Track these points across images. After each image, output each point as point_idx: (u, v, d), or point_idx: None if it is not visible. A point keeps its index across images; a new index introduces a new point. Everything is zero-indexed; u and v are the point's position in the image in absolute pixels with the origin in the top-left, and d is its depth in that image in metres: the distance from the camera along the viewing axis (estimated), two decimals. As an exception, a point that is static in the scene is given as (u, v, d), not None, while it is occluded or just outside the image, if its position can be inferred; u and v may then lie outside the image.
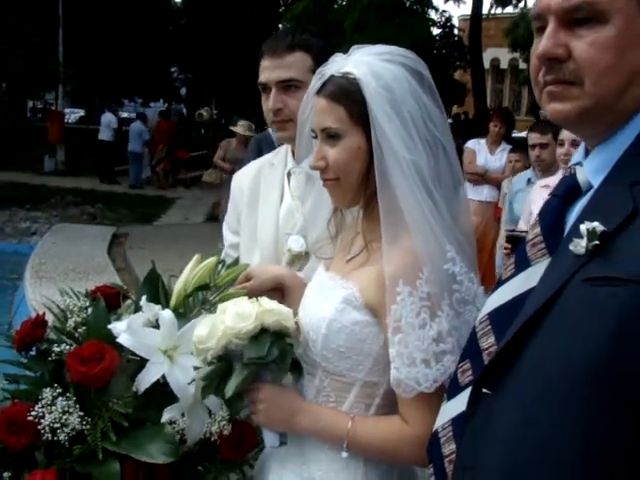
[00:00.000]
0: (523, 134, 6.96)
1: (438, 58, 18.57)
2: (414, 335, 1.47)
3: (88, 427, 1.55)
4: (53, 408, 1.54)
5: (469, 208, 1.78)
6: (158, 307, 1.64)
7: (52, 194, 15.40)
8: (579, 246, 1.07)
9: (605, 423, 1.01)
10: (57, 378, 1.62)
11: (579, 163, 1.22)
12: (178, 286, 1.71)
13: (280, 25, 26.60)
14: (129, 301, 1.77)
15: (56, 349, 1.62)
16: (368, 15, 13.22)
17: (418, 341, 1.47)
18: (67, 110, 29.34)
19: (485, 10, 20.22)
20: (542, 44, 1.15)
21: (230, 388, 1.48)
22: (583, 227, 1.07)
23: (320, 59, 1.83)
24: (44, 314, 1.72)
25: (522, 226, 4.09)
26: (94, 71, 25.27)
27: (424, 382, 1.47)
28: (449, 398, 1.34)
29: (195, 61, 27.67)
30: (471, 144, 6.98)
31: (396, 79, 1.54)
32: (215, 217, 11.56)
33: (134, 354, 1.60)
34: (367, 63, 1.55)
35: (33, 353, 1.70)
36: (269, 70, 2.09)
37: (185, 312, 1.68)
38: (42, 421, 1.53)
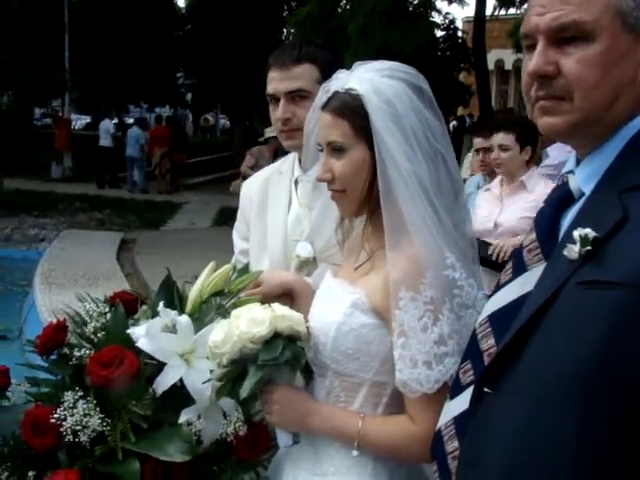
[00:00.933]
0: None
1: (442, 60, 18.58)
2: (416, 338, 1.53)
3: (108, 428, 1.60)
4: (74, 411, 1.59)
5: (470, 215, 1.85)
6: (175, 313, 1.69)
7: (60, 200, 15.48)
8: (572, 251, 1.12)
9: (597, 430, 1.05)
10: (77, 381, 1.67)
11: (571, 171, 1.27)
12: (194, 292, 1.77)
13: (284, 30, 26.68)
14: (145, 306, 1.83)
15: (77, 353, 1.67)
16: (372, 19, 13.21)
17: (420, 344, 1.53)
18: (73, 117, 29.47)
19: (488, 12, 20.18)
20: (533, 62, 1.21)
21: (245, 389, 1.53)
22: (576, 233, 1.12)
23: (326, 70, 1.91)
24: (65, 320, 1.78)
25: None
26: (100, 77, 25.35)
27: (426, 383, 1.53)
28: (451, 397, 1.40)
29: (200, 66, 27.78)
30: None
31: (397, 94, 1.61)
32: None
33: (151, 358, 1.65)
34: (369, 79, 1.62)
35: (54, 357, 1.75)
36: (277, 81, 2.16)
37: (200, 317, 1.73)
38: (64, 423, 1.58)
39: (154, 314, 1.73)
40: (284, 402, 1.64)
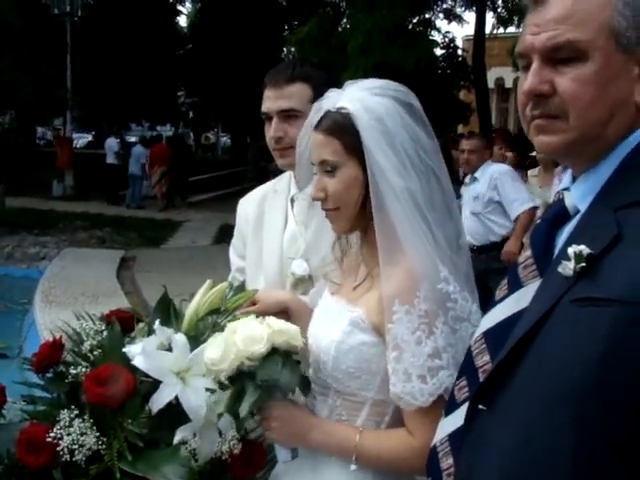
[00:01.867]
0: (533, 153, 7.00)
1: (442, 78, 18.72)
2: (410, 352, 1.53)
3: (104, 447, 1.59)
4: (71, 430, 1.58)
5: (464, 229, 1.86)
6: (171, 331, 1.69)
7: (61, 219, 15.49)
8: (567, 268, 1.12)
9: (593, 444, 1.04)
10: (73, 399, 1.67)
11: (567, 189, 1.28)
12: (190, 311, 1.76)
13: (284, 49, 26.85)
14: (141, 324, 1.83)
15: (72, 371, 1.67)
16: (371, 38, 13.30)
17: (414, 357, 1.53)
18: (75, 135, 29.61)
19: (488, 30, 20.33)
20: (528, 81, 1.22)
21: (244, 408, 1.53)
22: (571, 250, 1.12)
23: (319, 89, 1.91)
24: (61, 337, 1.77)
25: None
26: (102, 96, 25.50)
27: (420, 397, 1.53)
28: (446, 414, 1.39)
29: (201, 85, 27.95)
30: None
31: (388, 112, 1.62)
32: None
33: (147, 376, 1.64)
34: (360, 98, 1.63)
35: (50, 375, 1.75)
36: (271, 100, 2.18)
37: (196, 335, 1.72)
38: (61, 442, 1.58)
39: (150, 332, 1.73)
40: (283, 418, 1.64)
